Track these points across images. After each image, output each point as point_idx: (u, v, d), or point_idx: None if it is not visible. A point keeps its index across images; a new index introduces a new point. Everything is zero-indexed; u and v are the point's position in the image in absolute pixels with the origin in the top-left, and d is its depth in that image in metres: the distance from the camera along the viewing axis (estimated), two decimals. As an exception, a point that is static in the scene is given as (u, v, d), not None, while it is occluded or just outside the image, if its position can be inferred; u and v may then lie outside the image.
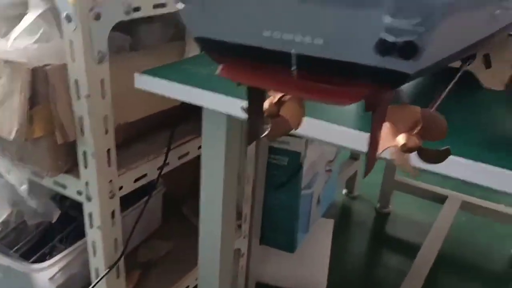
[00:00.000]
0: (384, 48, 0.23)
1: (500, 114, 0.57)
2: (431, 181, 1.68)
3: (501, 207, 1.56)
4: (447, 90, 0.40)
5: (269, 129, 0.40)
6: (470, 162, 0.45)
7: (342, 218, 1.70)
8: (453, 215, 1.54)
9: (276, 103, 0.38)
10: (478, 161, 0.44)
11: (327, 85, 0.27)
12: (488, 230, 1.63)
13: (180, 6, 0.28)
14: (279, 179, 1.20)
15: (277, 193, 1.21)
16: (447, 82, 0.48)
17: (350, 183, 1.79)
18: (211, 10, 0.27)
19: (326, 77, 0.27)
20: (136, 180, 0.75)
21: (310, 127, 0.52)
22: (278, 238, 1.28)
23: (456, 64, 0.57)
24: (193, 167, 0.84)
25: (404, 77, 0.24)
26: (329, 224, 1.45)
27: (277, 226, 1.26)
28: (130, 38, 0.75)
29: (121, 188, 0.73)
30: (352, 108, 0.55)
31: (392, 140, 0.35)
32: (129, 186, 0.74)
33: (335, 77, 0.26)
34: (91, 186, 0.70)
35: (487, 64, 0.64)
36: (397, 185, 1.69)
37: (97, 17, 0.59)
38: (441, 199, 1.61)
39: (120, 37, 0.72)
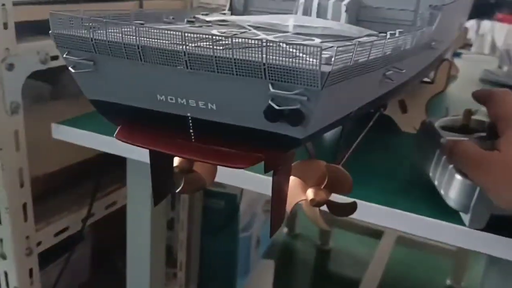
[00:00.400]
0: (272, 114, 0.24)
1: (410, 159, 0.59)
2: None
3: (433, 240, 1.61)
4: (356, 142, 0.41)
5: (181, 186, 0.39)
6: (383, 208, 0.46)
7: (284, 257, 1.69)
8: (389, 249, 1.57)
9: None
10: (391, 207, 0.46)
11: (224, 149, 0.26)
12: (423, 263, 1.68)
13: (72, 70, 0.27)
14: (215, 223, 1.18)
15: (214, 237, 1.19)
16: (365, 126, 0.50)
17: (290, 222, 1.79)
18: (103, 74, 0.27)
19: (223, 141, 0.27)
20: (57, 234, 0.71)
21: (238, 177, 0.52)
22: (217, 285, 1.24)
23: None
24: (124, 216, 0.81)
25: (294, 142, 0.25)
26: (269, 265, 1.43)
27: (215, 272, 1.23)
28: (51, 86, 0.73)
29: (39, 243, 0.69)
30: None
31: (302, 194, 0.35)
32: (49, 241, 0.70)
33: (231, 141, 0.26)
34: (6, 244, 0.65)
35: (403, 109, 0.67)
36: (336, 222, 1.72)
37: (10, 67, 0.57)
38: (378, 235, 1.65)
39: (38, 85, 0.70)
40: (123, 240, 0.80)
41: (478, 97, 0.46)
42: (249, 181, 0.51)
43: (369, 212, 0.46)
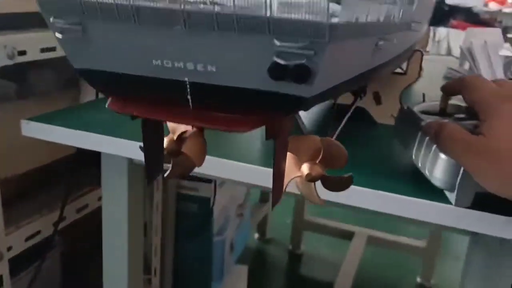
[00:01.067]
0: (277, 72, 0.23)
1: (389, 146, 0.60)
2: (338, 216, 1.73)
3: (402, 239, 1.64)
4: (343, 122, 0.41)
5: (170, 168, 0.37)
6: (369, 191, 0.46)
7: (256, 263, 1.68)
8: (361, 250, 1.58)
9: (177, 139, 0.36)
10: (378, 190, 0.46)
11: (224, 113, 0.26)
12: (394, 262, 1.70)
13: (59, 35, 0.25)
14: (189, 227, 1.16)
15: (188, 242, 1.16)
16: (342, 118, 0.50)
17: (261, 227, 1.78)
18: (93, 39, 0.25)
19: (222, 106, 0.26)
20: (27, 239, 0.68)
21: (218, 167, 0.50)
22: (192, 290, 1.22)
23: (349, 100, 0.59)
24: (98, 219, 0.78)
25: (300, 102, 0.24)
26: (243, 271, 1.42)
27: (190, 277, 1.20)
28: (18, 85, 0.70)
29: (10, 248, 0.65)
30: (259, 147, 0.54)
31: (296, 170, 0.35)
32: (19, 245, 0.67)
33: (231, 105, 0.25)
34: (-27, 250, 0.61)
35: (377, 101, 0.68)
36: (307, 225, 1.72)
37: (-25, 61, 0.54)
38: (349, 236, 1.66)
39: (3, 84, 0.67)
40: (97, 246, 0.77)
41: (450, 88, 0.47)
42: (236, 172, 0.50)
43: (355, 196, 0.46)
